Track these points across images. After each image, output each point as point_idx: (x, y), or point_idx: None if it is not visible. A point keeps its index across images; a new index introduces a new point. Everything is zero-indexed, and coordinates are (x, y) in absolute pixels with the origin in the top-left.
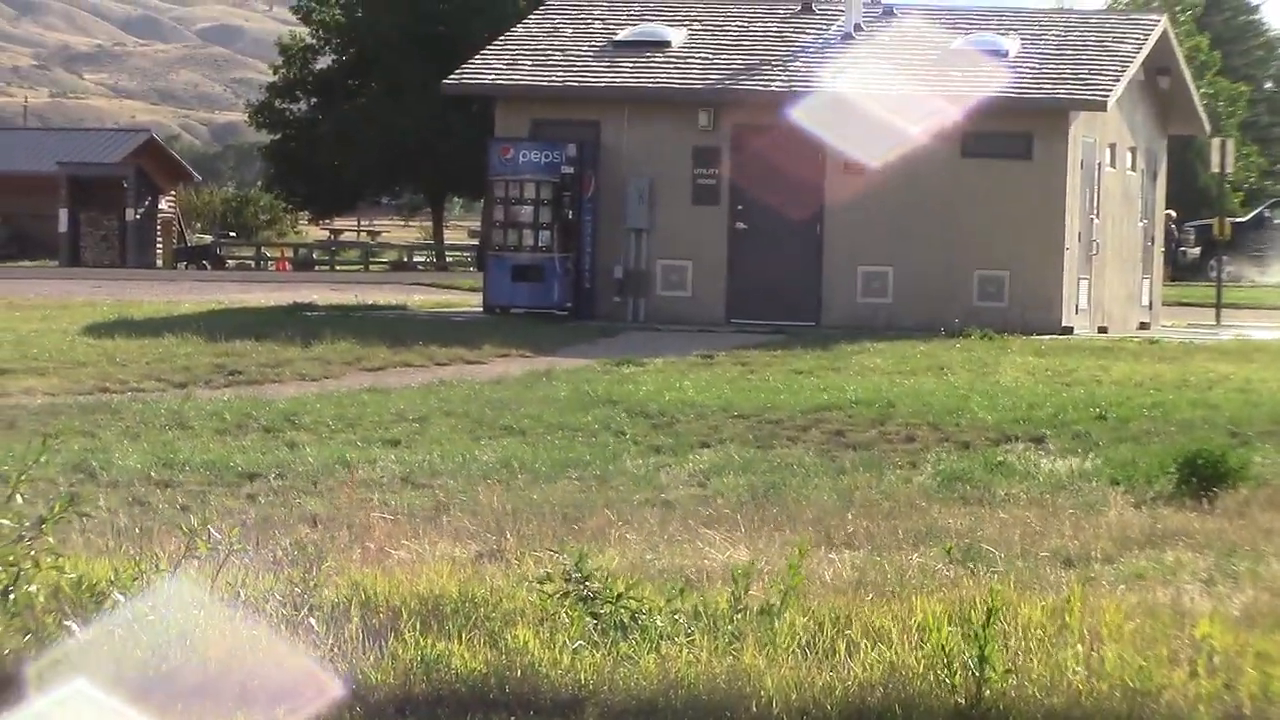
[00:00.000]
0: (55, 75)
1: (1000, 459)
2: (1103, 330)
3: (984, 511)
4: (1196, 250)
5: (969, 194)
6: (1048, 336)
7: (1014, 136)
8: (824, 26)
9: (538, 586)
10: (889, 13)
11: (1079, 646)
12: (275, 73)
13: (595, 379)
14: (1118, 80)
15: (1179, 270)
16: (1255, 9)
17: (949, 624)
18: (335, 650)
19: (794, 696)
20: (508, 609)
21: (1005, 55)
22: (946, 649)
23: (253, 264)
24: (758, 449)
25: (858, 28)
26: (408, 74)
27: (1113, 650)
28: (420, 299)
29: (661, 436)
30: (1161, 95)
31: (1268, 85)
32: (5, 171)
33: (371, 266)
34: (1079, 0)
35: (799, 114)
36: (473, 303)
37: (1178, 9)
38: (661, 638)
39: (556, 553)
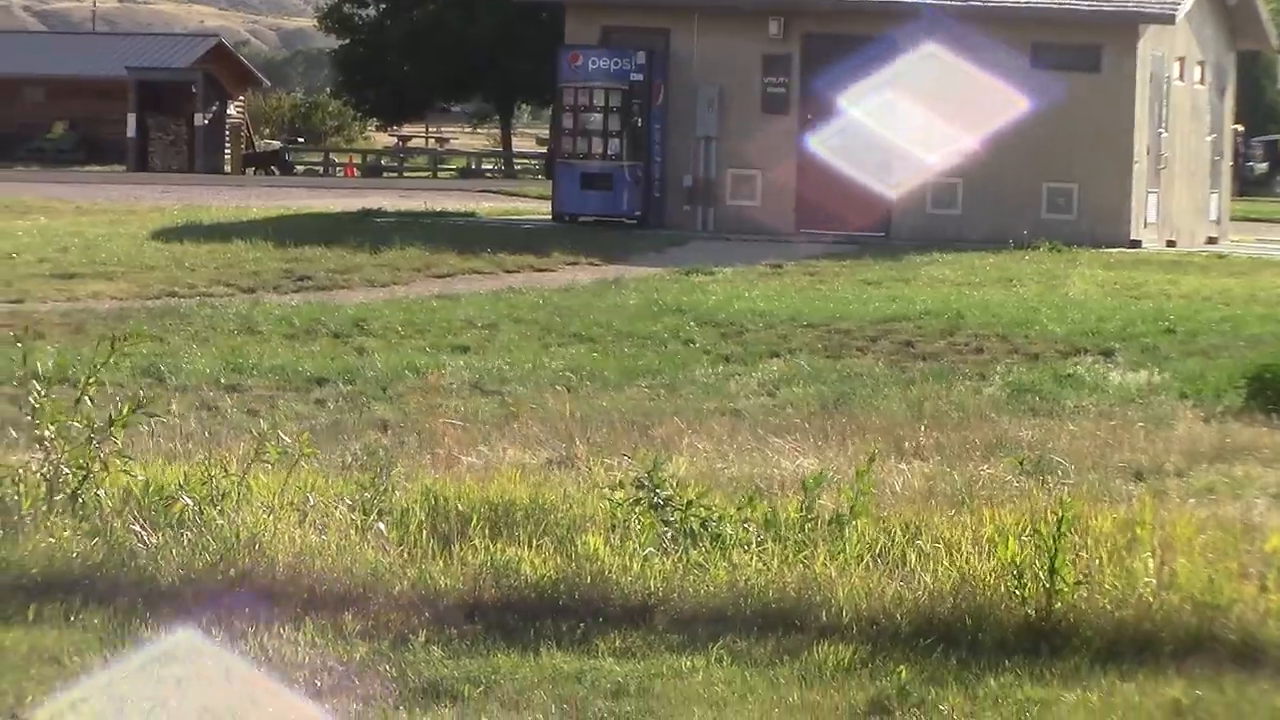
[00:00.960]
0: None
1: (1069, 371)
2: (1171, 244)
3: (1053, 424)
4: (1264, 165)
5: (1039, 106)
6: (1116, 250)
7: (1083, 49)
8: None
9: (608, 494)
10: None
11: (1149, 559)
12: None
13: (664, 287)
14: None
15: (1246, 185)
16: None
17: (1020, 535)
18: (405, 555)
19: (864, 606)
20: (578, 515)
21: None
22: (1017, 560)
23: (321, 170)
24: (827, 359)
25: None
26: None
27: (1183, 563)
28: (489, 206)
29: (730, 345)
30: (1230, 9)
31: None
32: (73, 76)
33: (439, 174)
34: None
35: (868, 25)
36: (541, 211)
37: None
38: (732, 546)
39: (627, 459)
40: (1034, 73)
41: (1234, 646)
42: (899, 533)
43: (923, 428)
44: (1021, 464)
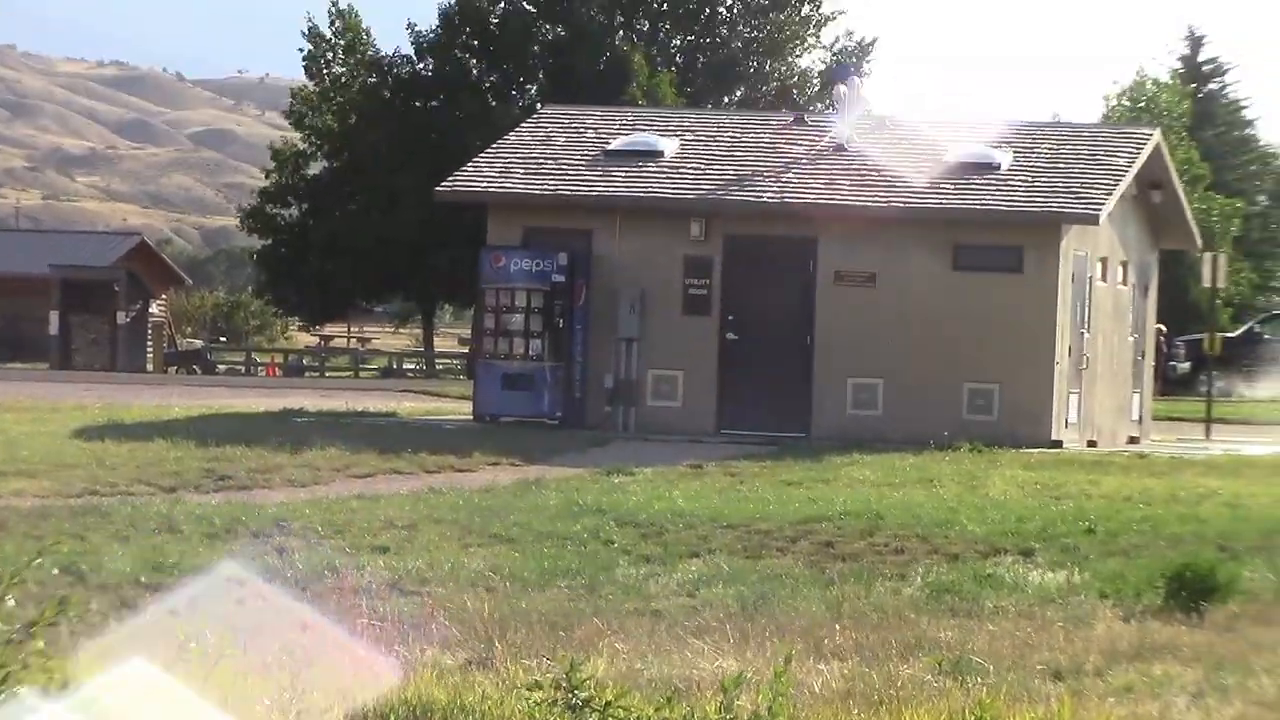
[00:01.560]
0: (47, 177)
1: (989, 572)
2: (1092, 444)
3: (973, 624)
4: (1187, 365)
5: (960, 307)
6: (1037, 450)
7: (1005, 249)
8: (817, 138)
9: (526, 694)
10: (882, 125)
11: None
12: (267, 178)
13: (585, 488)
14: (1110, 194)
15: (1169, 385)
16: (1249, 123)
17: None
18: None
19: None
20: (496, 716)
21: (997, 168)
22: None
23: (243, 369)
24: (746, 559)
25: (850, 139)
26: (400, 181)
27: None
28: (410, 406)
29: (650, 546)
30: (1154, 209)
31: (1260, 199)
32: None
33: (361, 373)
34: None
35: (790, 226)
36: (463, 411)
37: (1170, 122)
38: None
39: (546, 660)
40: (956, 274)
41: None
42: None
43: (841, 628)
44: (940, 664)
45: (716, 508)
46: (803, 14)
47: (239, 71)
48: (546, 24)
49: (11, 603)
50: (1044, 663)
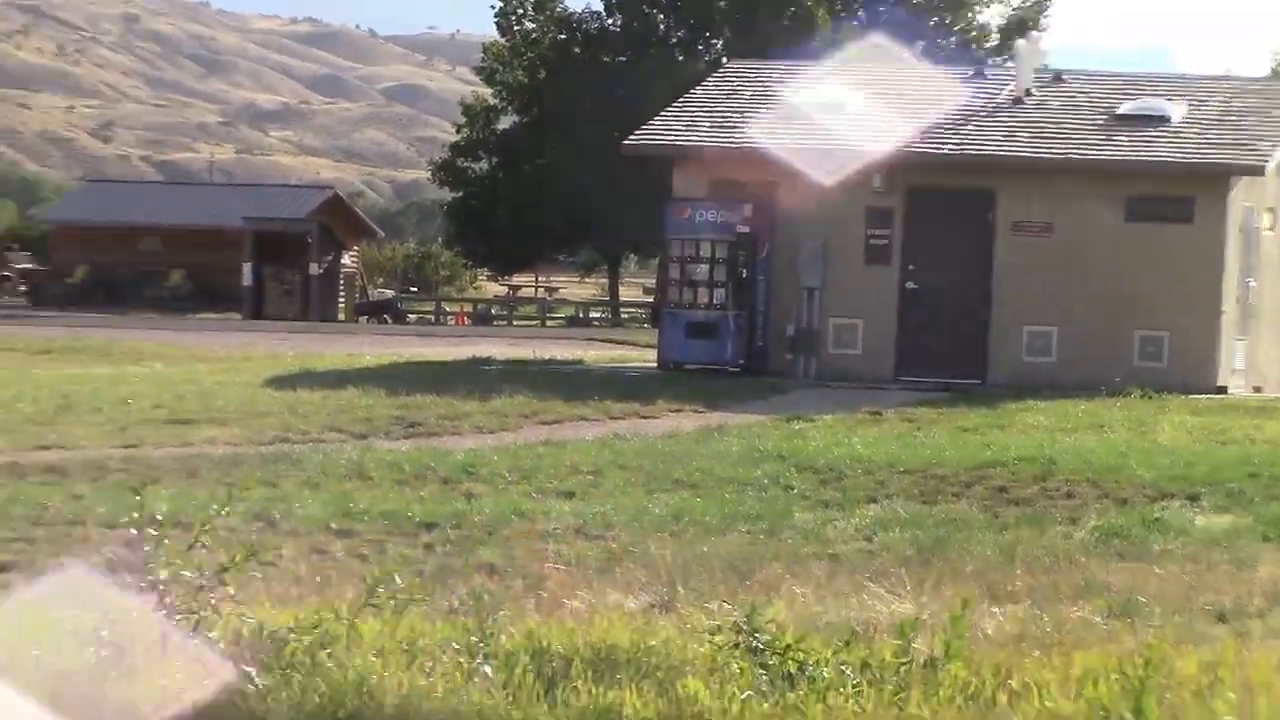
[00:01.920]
0: (241, 132)
1: (1157, 516)
2: (1257, 390)
3: (1141, 567)
4: None
5: (1132, 256)
6: (1204, 396)
7: (1176, 200)
8: (995, 91)
9: (708, 638)
10: (1058, 78)
11: (1231, 700)
12: (458, 132)
13: (765, 434)
14: (1277, 146)
15: None
16: None
17: (1106, 676)
18: (509, 698)
19: None
20: (678, 659)
21: (1169, 121)
22: (1104, 701)
23: (432, 318)
24: (923, 504)
25: (1028, 92)
26: (588, 135)
27: (1263, 703)
28: (595, 354)
29: (829, 491)
30: None
31: None
32: (190, 225)
33: (548, 322)
34: (1243, 68)
35: (969, 177)
36: (647, 358)
37: None
38: (828, 688)
39: (727, 604)
40: (1128, 224)
41: None
42: (989, 675)
43: (1015, 572)
44: (1109, 607)
45: (894, 453)
46: None
47: (429, 28)
48: None
49: (204, 549)
50: (1209, 605)
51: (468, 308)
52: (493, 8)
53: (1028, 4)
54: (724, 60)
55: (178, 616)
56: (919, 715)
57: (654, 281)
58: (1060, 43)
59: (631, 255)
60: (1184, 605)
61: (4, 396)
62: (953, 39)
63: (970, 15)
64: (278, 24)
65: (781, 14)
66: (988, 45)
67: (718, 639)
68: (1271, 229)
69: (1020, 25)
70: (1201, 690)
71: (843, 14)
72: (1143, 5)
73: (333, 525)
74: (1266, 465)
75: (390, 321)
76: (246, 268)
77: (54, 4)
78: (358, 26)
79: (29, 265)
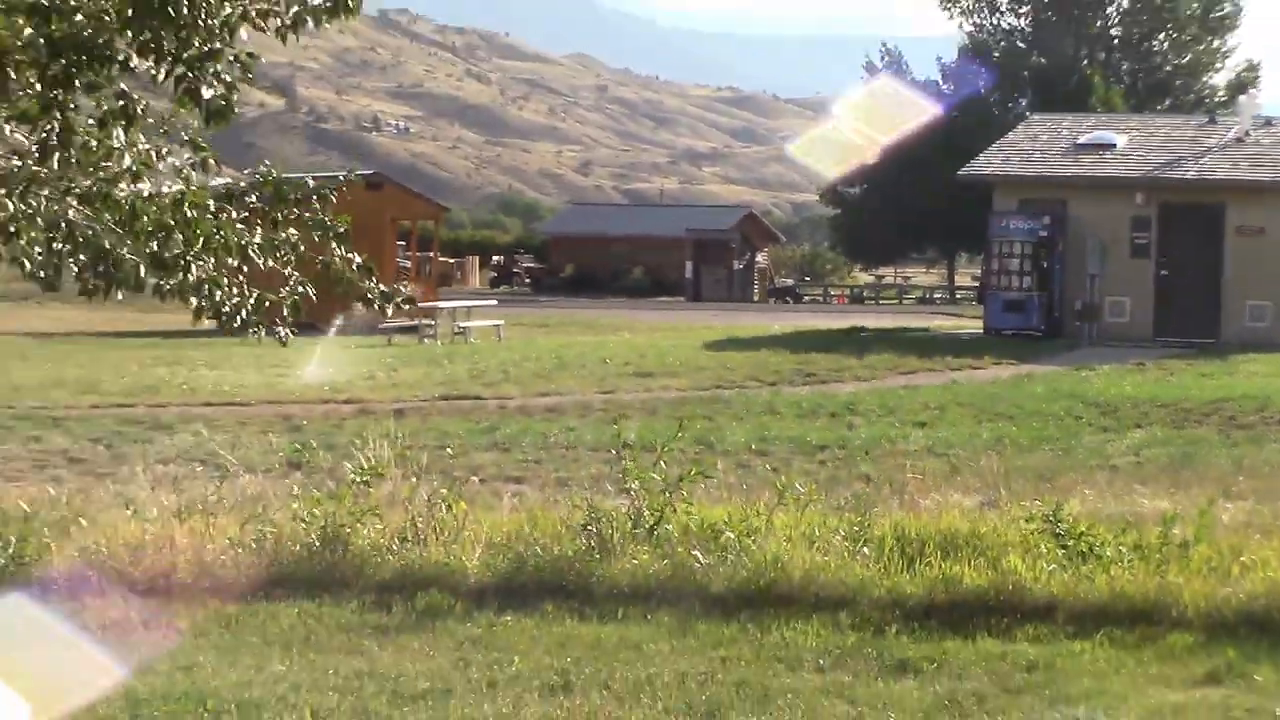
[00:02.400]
0: (683, 169)
1: None
2: None
3: None
4: None
5: None
6: None
7: None
8: (1223, 133)
9: (1023, 526)
10: (1268, 123)
11: None
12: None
13: (1060, 380)
14: None
15: None
16: None
17: None
18: (881, 570)
19: (1203, 605)
20: (1001, 542)
21: None
22: None
23: (821, 299)
24: (1174, 429)
25: (1246, 134)
26: (930, 166)
27: None
28: (938, 324)
29: (1107, 420)
30: None
31: None
32: (648, 235)
33: (903, 301)
34: None
35: (1205, 195)
36: (975, 327)
37: None
38: (1110, 563)
39: (1037, 502)
40: None
41: None
42: (1227, 553)
43: (1242, 478)
44: None
45: (1153, 392)
46: (1213, 46)
47: (817, 93)
48: (1035, 53)
49: (663, 465)
50: None
51: (846, 291)
52: (860, 78)
53: (1245, 69)
54: (1027, 114)
55: (644, 513)
56: (1175, 583)
57: (980, 270)
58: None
59: (964, 252)
60: None
61: (514, 358)
62: (1191, 96)
63: (1204, 79)
64: (708, 91)
65: (1069, 79)
66: (1217, 100)
67: (1030, 527)
68: None
69: (1241, 86)
70: None
71: (1113, 80)
72: None
73: (753, 447)
74: None
75: (791, 302)
76: (688, 265)
77: (546, 78)
78: (764, 91)
79: (532, 264)
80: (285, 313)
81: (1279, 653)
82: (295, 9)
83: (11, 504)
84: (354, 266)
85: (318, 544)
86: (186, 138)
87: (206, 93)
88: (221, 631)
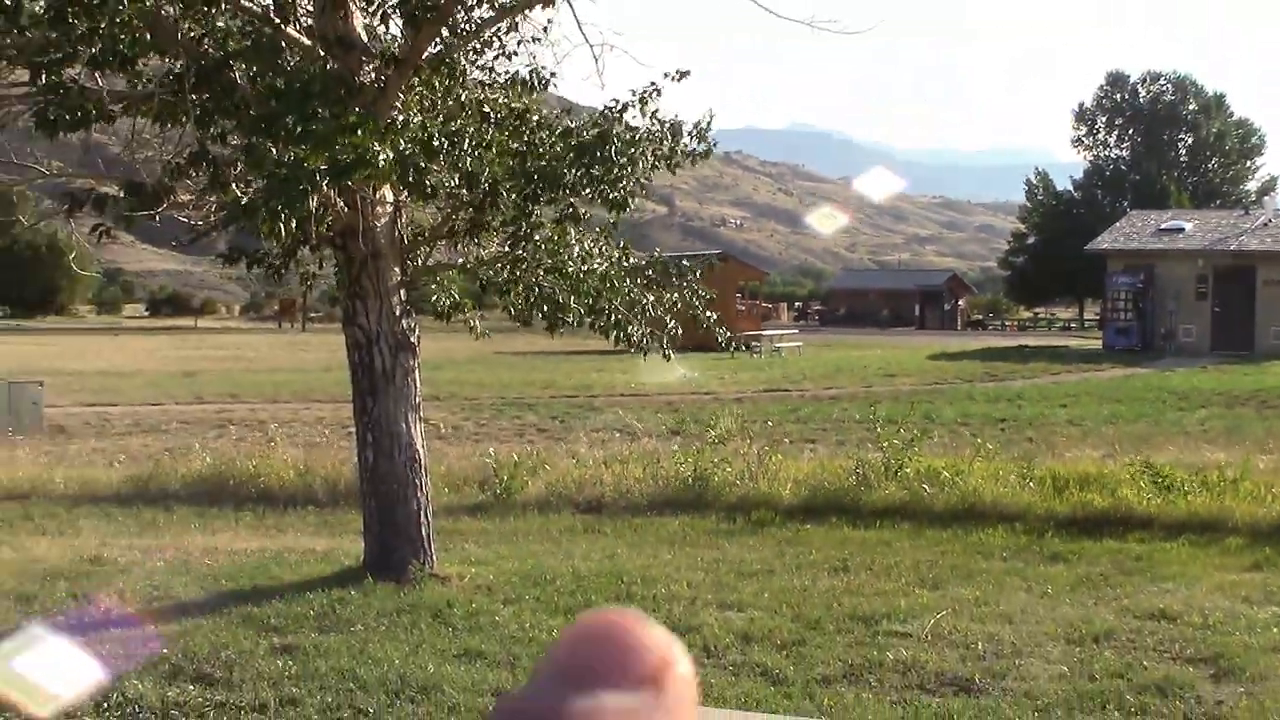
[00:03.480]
0: (912, 247)
1: None
2: None
3: None
4: None
5: None
6: None
7: None
8: (1255, 219)
9: (1129, 468)
10: None
11: None
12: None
13: (1152, 378)
14: None
15: None
16: None
17: None
18: (1041, 497)
19: (1248, 519)
20: (1115, 479)
21: None
22: None
23: (999, 328)
24: (1226, 408)
25: (1270, 220)
26: (1067, 244)
27: None
28: (1074, 344)
29: (1182, 402)
30: None
31: None
32: (891, 288)
33: (1052, 328)
34: None
35: (1243, 260)
36: (1096, 345)
37: None
38: (1186, 493)
39: (1137, 456)
40: None
41: None
42: (1263, 486)
43: (1271, 440)
44: None
45: (1210, 384)
46: (1247, 165)
47: (995, 198)
48: (1132, 173)
49: (900, 431)
50: None
51: (1015, 323)
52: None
53: (1268, 180)
54: (1128, 209)
55: (890, 460)
56: (1230, 506)
57: (1100, 309)
58: None
59: (1089, 297)
60: None
61: (809, 366)
62: (1233, 197)
63: (1241, 186)
64: (928, 198)
65: (1154, 188)
66: (1249, 200)
67: (1134, 470)
68: None
69: (1265, 190)
70: None
71: (1183, 188)
72: None
73: (958, 421)
74: None
75: (980, 330)
76: (916, 307)
77: (825, 191)
78: (963, 199)
79: (820, 307)
80: (665, 341)
81: None
82: (674, 158)
83: (505, 456)
84: (711, 320)
85: (691, 480)
86: (617, 241)
87: (612, 195)
88: (631, 534)
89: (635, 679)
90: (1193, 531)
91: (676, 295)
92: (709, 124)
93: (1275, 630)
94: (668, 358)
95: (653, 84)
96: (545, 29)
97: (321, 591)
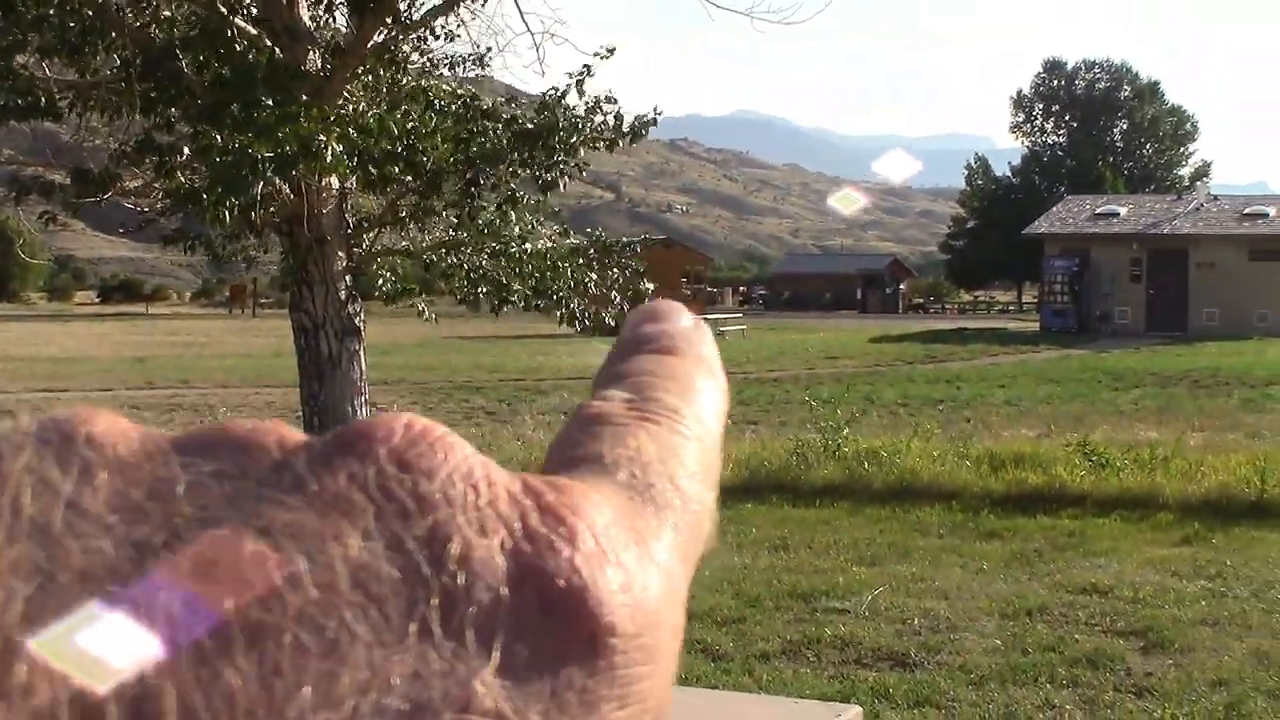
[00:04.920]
0: (854, 232)
1: (1267, 392)
2: None
3: (1261, 415)
4: None
5: (1253, 275)
6: None
7: (1272, 250)
8: (1187, 204)
9: (1064, 448)
10: (1215, 198)
11: None
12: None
13: (1088, 359)
14: None
15: None
16: None
17: (1246, 464)
18: (977, 475)
19: (1178, 496)
20: (1050, 458)
21: (1269, 216)
22: (1246, 473)
23: (939, 311)
24: (1159, 387)
25: (1201, 205)
26: (1006, 228)
27: None
28: (1013, 326)
29: (1116, 382)
30: None
31: None
32: (834, 272)
33: (991, 311)
34: None
35: (1176, 243)
36: (1034, 327)
37: None
38: (1120, 469)
39: (1074, 433)
40: (1250, 262)
41: None
42: (1193, 463)
43: (1201, 419)
44: (1245, 433)
45: (1144, 364)
46: (1180, 151)
47: (936, 184)
48: (1069, 159)
49: (839, 412)
50: None
51: (955, 306)
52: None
53: (1200, 165)
54: (1065, 195)
55: (831, 441)
56: (1161, 482)
57: (1038, 291)
58: (1216, 182)
59: (1027, 280)
60: None
61: (753, 349)
62: (1167, 182)
63: (1175, 171)
64: (871, 184)
65: (1090, 173)
66: (1182, 185)
67: (1070, 448)
68: None
69: (1198, 175)
70: None
71: (1118, 173)
72: (1258, 166)
73: (898, 402)
74: None
75: (921, 314)
76: (859, 291)
77: (771, 179)
78: (905, 184)
79: (764, 291)
80: (612, 322)
81: (1227, 525)
82: (609, 143)
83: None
84: (652, 291)
85: None
86: (557, 221)
87: (546, 177)
88: None
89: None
90: (1125, 508)
91: (618, 272)
92: (654, 120)
93: (1203, 604)
94: (614, 332)
95: (586, 66)
96: (479, 8)
97: None
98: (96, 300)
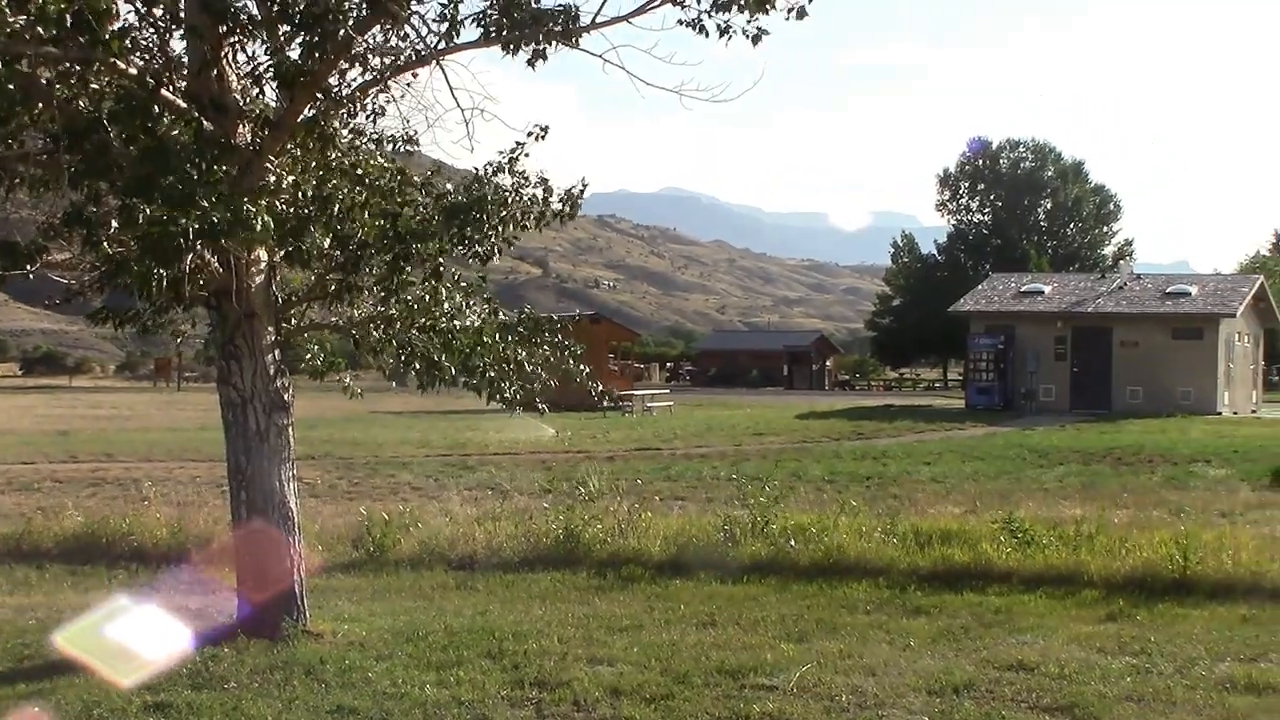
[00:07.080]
0: (781, 310)
1: (1191, 469)
2: (1235, 413)
3: (1184, 493)
4: (1277, 377)
5: (1174, 353)
6: (1210, 415)
7: (1194, 329)
8: (1110, 283)
9: (991, 524)
10: (1139, 278)
11: (1228, 554)
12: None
13: (1013, 436)
14: (1241, 303)
15: (1271, 387)
16: None
17: (1169, 542)
18: (904, 551)
19: (1103, 572)
20: (976, 535)
21: (1190, 295)
22: (1169, 551)
23: (866, 387)
24: (1084, 465)
25: (1125, 284)
26: (932, 305)
27: (1245, 555)
28: (938, 403)
29: (1042, 460)
30: (1261, 309)
31: None
32: (761, 349)
33: (916, 388)
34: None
35: (1100, 322)
36: (960, 404)
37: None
38: (1046, 546)
39: (999, 511)
40: (1173, 340)
41: (1269, 591)
42: (1118, 541)
43: (1126, 495)
44: (1169, 510)
45: (1070, 442)
46: (1103, 231)
47: (861, 261)
48: (994, 238)
49: (766, 488)
50: (1219, 510)
51: (881, 383)
52: (890, 252)
53: (1123, 245)
54: (990, 273)
55: (757, 519)
56: (1085, 559)
57: (963, 369)
58: (1141, 262)
59: (952, 358)
60: (1205, 510)
61: (680, 425)
62: (1091, 261)
63: (1098, 251)
64: (796, 261)
65: (1015, 252)
66: (1106, 265)
67: (995, 525)
68: (1239, 341)
69: (1121, 255)
70: (1214, 548)
71: (1042, 252)
72: (1180, 245)
73: (825, 478)
74: (1241, 447)
75: (848, 390)
76: (785, 367)
77: (698, 255)
78: (831, 262)
79: (691, 368)
80: (537, 396)
81: (1152, 602)
82: (538, 218)
83: (377, 514)
84: (584, 374)
85: (562, 536)
86: (486, 296)
87: (479, 250)
88: (503, 590)
89: None
90: (1050, 584)
91: (548, 349)
92: (582, 191)
93: (1128, 680)
94: (542, 412)
95: (519, 144)
96: (408, 85)
97: (195, 649)
98: (19, 373)
